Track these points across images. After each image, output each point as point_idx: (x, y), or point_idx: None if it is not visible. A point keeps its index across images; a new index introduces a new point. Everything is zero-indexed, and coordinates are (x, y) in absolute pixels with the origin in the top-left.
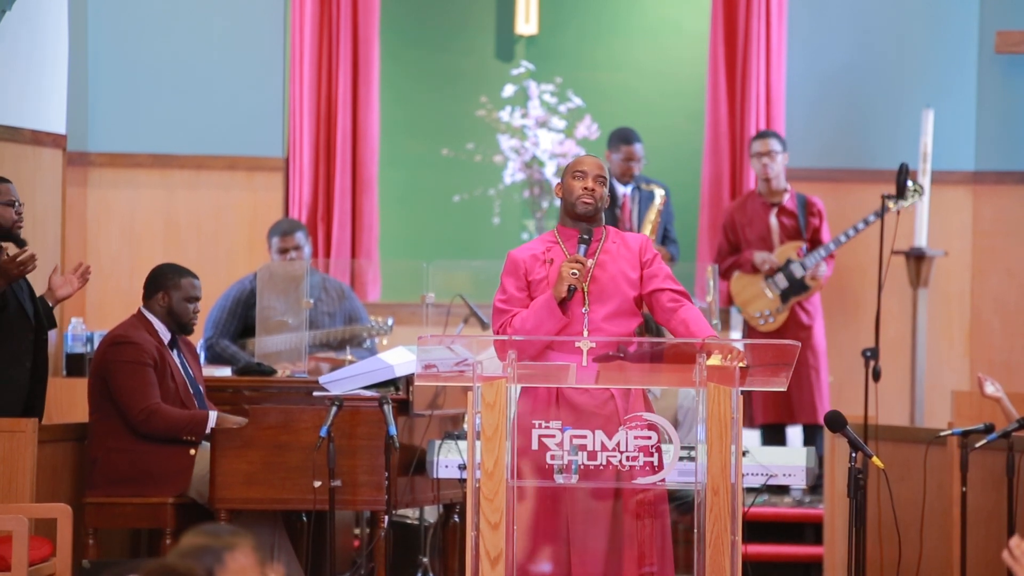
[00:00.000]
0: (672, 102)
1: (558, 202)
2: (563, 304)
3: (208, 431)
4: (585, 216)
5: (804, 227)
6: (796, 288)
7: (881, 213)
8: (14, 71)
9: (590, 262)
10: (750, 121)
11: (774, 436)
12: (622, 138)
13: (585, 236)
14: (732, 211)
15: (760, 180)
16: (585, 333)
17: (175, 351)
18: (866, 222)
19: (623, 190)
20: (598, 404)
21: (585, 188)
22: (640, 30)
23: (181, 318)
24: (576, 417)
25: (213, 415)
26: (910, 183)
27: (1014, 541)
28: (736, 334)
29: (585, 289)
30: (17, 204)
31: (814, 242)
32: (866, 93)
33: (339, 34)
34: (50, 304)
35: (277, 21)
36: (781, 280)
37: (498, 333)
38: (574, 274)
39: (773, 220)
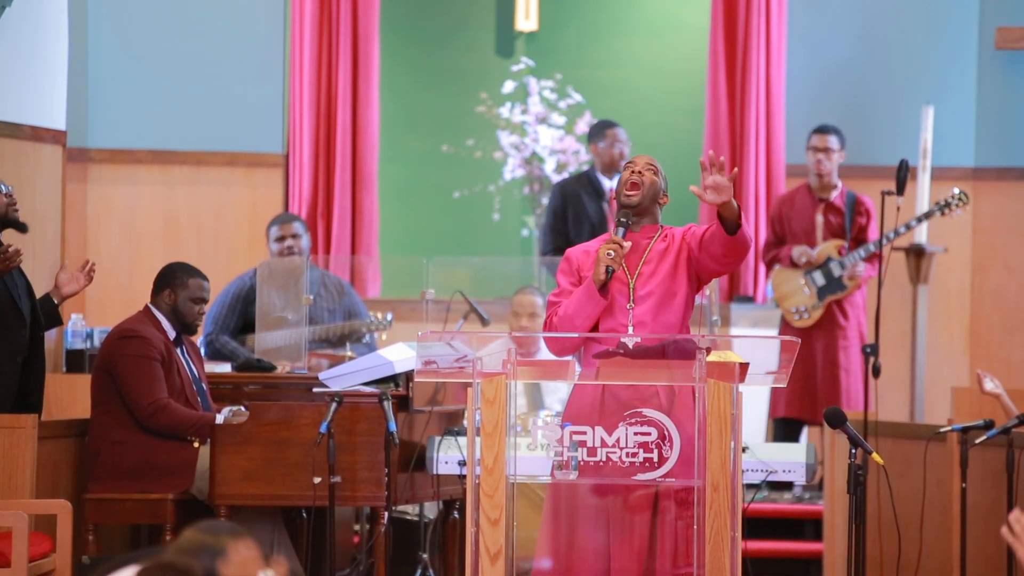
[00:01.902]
0: (672, 98)
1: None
2: (603, 287)
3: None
4: (630, 206)
5: (850, 226)
6: (833, 287)
7: (926, 216)
8: (14, 67)
9: (627, 244)
10: (750, 117)
11: (791, 431)
12: (605, 123)
13: (623, 219)
14: (780, 203)
15: (812, 175)
16: (630, 329)
17: (180, 349)
18: (907, 226)
19: (609, 184)
20: (643, 399)
21: (633, 172)
22: (640, 26)
23: (185, 318)
24: (621, 412)
25: (220, 416)
26: (956, 190)
27: (1014, 515)
28: (737, 330)
29: (631, 285)
30: (3, 187)
31: (859, 241)
32: (866, 89)
33: (339, 30)
34: (55, 301)
35: (277, 17)
36: (819, 277)
37: (547, 326)
38: (610, 255)
39: (819, 216)
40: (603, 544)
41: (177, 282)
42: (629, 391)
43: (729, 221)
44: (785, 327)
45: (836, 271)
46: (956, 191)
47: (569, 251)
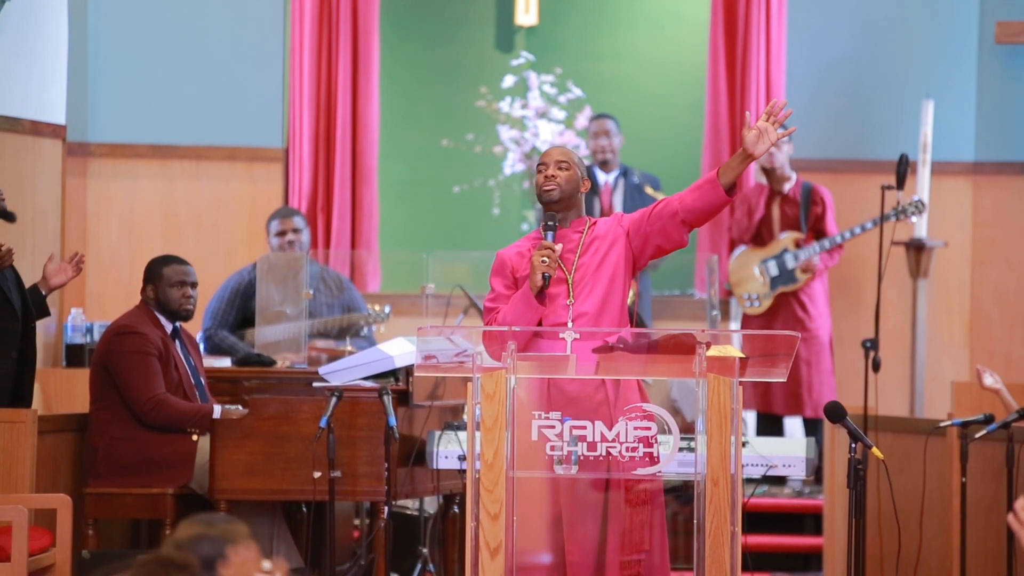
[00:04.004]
0: (672, 92)
1: None
2: (541, 293)
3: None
4: (551, 203)
5: (805, 217)
6: (785, 278)
7: (881, 220)
8: (14, 62)
9: (558, 247)
10: (750, 111)
11: (774, 425)
12: (594, 116)
13: (550, 222)
14: (738, 202)
15: (759, 168)
16: (569, 324)
17: (178, 342)
18: (863, 228)
19: (605, 178)
20: (589, 392)
21: (546, 176)
22: (640, 20)
23: (169, 305)
24: (566, 404)
25: (217, 408)
26: (916, 197)
27: (1020, 503)
28: (736, 325)
29: (570, 281)
30: None
31: (817, 231)
32: (866, 83)
33: (339, 25)
34: (43, 292)
35: (277, 12)
36: (773, 267)
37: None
38: (544, 261)
39: (775, 209)
40: (558, 536)
41: (153, 274)
42: (574, 383)
43: (732, 177)
44: (743, 315)
45: (790, 263)
46: (915, 198)
47: (501, 253)
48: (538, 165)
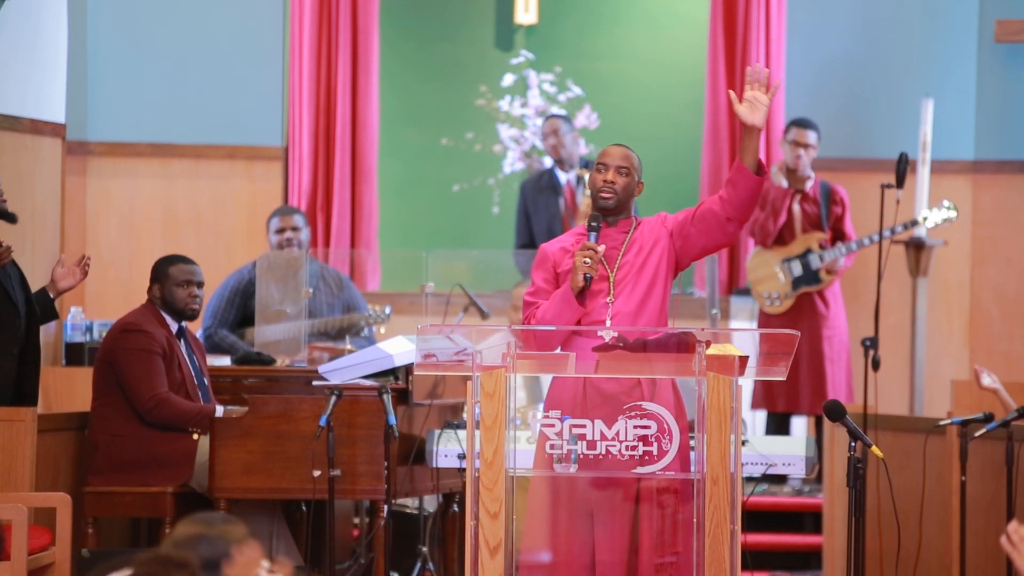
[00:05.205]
0: (671, 91)
1: None
2: (581, 294)
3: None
4: (605, 209)
5: (826, 216)
6: (809, 278)
7: (909, 224)
8: (14, 60)
9: (601, 247)
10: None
11: (781, 424)
12: (546, 118)
13: (593, 224)
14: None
15: (784, 167)
16: (608, 323)
17: (182, 342)
18: (893, 231)
19: (566, 177)
20: (625, 391)
21: (605, 181)
22: (640, 19)
23: (176, 305)
24: (603, 403)
25: (220, 409)
26: (946, 202)
27: (1012, 527)
28: (736, 323)
29: (612, 279)
30: None
31: (836, 231)
32: (866, 82)
33: (338, 23)
34: (51, 296)
35: (277, 10)
36: (796, 267)
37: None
38: (586, 262)
39: (796, 207)
40: (588, 536)
41: (160, 274)
42: (611, 383)
43: (753, 157)
44: (759, 313)
45: (814, 263)
46: (946, 203)
47: (544, 247)
48: (598, 162)
